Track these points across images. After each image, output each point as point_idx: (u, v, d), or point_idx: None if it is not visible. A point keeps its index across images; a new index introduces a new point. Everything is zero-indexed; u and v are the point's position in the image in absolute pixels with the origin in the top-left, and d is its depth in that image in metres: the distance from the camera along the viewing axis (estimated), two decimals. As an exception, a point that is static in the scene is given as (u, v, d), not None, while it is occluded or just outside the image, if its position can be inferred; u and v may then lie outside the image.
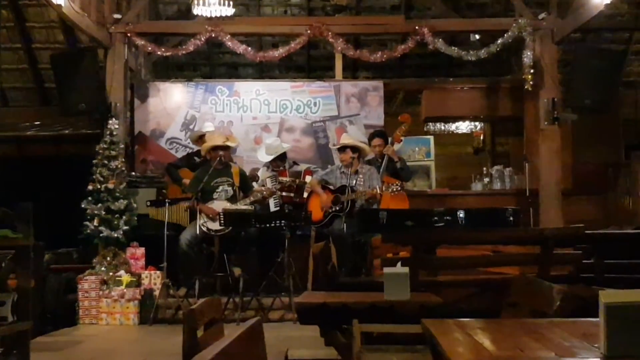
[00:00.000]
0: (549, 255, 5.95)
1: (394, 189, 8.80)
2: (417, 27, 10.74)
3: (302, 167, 10.51)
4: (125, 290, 8.75)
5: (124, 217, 9.60)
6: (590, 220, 10.02)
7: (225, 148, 9.37)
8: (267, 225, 8.80)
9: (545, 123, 10.63)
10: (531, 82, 10.41)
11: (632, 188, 12.11)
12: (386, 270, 4.87)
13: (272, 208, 9.74)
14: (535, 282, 4.46)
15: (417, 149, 13.51)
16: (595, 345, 2.54)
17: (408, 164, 10.33)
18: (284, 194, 9.75)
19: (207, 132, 10.26)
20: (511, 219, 7.35)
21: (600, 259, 6.28)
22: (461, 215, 7.25)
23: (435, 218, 7.18)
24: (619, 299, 2.42)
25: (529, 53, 10.44)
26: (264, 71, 14.32)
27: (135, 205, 9.86)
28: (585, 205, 11.55)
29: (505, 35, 10.53)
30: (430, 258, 6.19)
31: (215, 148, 9.26)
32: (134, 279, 8.92)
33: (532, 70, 10.41)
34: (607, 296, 2.44)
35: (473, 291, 6.32)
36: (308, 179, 9.96)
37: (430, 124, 13.37)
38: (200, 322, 3.54)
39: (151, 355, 6.62)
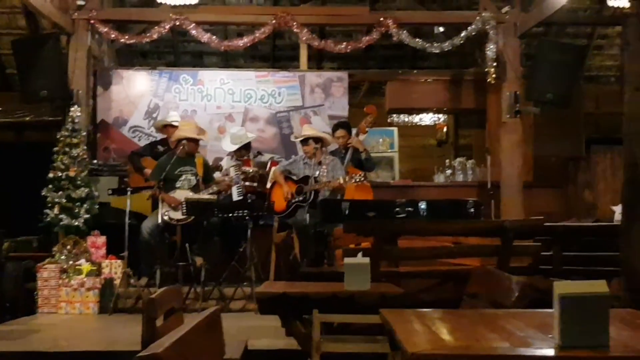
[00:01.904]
0: (509, 247, 6.02)
1: (358, 180, 8.82)
2: (381, 19, 10.76)
3: (266, 157, 10.49)
4: (85, 279, 8.68)
5: (85, 206, 9.51)
6: (550, 212, 10.13)
7: (195, 141, 9.34)
8: (230, 214, 8.78)
9: (507, 116, 10.72)
10: (494, 76, 10.50)
11: (592, 181, 12.27)
12: (347, 260, 4.89)
13: (235, 198, 9.71)
14: (494, 274, 4.50)
15: (380, 140, 13.55)
16: (550, 335, 2.57)
17: (372, 155, 10.35)
18: (247, 183, 9.72)
19: (175, 121, 10.19)
20: (472, 210, 7.41)
21: (559, 251, 6.36)
22: (423, 206, 7.29)
23: (397, 209, 7.21)
24: (572, 290, 2.45)
25: (492, 46, 10.52)
26: (228, 60, 14.25)
27: (96, 193, 9.78)
28: (545, 197, 11.65)
29: (469, 28, 10.59)
30: (391, 249, 6.22)
31: (185, 139, 9.21)
32: (95, 268, 8.86)
33: (495, 64, 10.51)
34: (561, 287, 2.48)
35: (434, 282, 6.37)
36: (273, 168, 9.94)
37: (394, 115, 13.41)
38: (159, 311, 3.54)
39: (110, 344, 6.58)
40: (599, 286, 2.45)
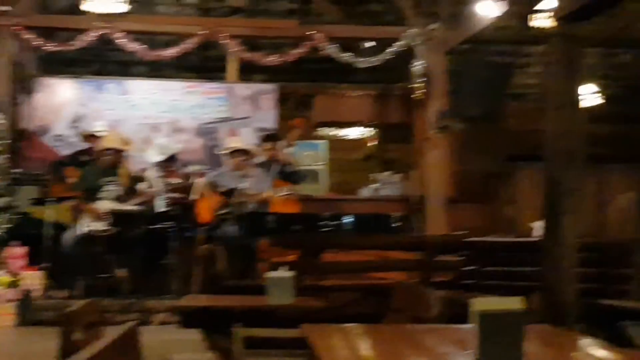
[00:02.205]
0: (431, 261, 6.08)
1: (284, 193, 8.83)
2: (310, 32, 10.81)
3: (192, 168, 10.40)
4: (3, 291, 8.47)
5: (5, 215, 9.29)
6: (475, 228, 10.24)
7: (119, 151, 9.24)
8: (154, 226, 8.69)
9: (433, 131, 10.85)
10: (420, 91, 10.62)
11: (514, 197, 12.47)
12: (270, 274, 4.89)
13: (160, 209, 9.60)
14: (416, 289, 4.54)
15: (308, 153, 13.56)
16: (469, 351, 2.60)
17: (299, 168, 10.36)
18: (172, 195, 9.63)
19: (100, 131, 10.05)
20: (397, 225, 7.48)
21: (480, 266, 6.45)
22: (348, 220, 7.33)
23: (323, 223, 7.25)
24: (489, 307, 2.48)
25: (418, 62, 10.65)
26: (156, 70, 14.09)
27: (17, 202, 9.57)
28: (470, 213, 11.79)
29: (395, 44, 10.71)
30: (316, 262, 6.23)
31: (110, 150, 9.11)
32: (13, 280, 8.64)
33: (421, 80, 10.63)
34: (479, 304, 2.51)
35: (357, 296, 6.40)
36: (199, 180, 9.88)
37: (322, 128, 13.43)
38: (78, 324, 3.47)
39: (27, 357, 6.44)
40: (515, 303, 2.49)
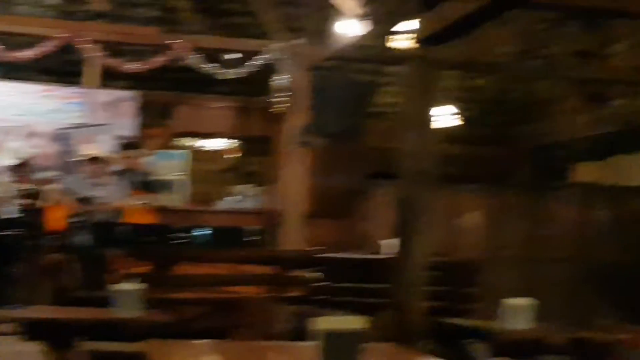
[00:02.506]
0: (283, 276, 6.10)
1: (141, 203, 8.70)
2: (171, 41, 10.71)
3: (45, 174, 10.11)
4: None
5: None
6: (332, 243, 10.35)
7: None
8: (1, 233, 8.39)
9: (292, 146, 10.92)
10: (280, 106, 10.69)
11: (372, 214, 12.67)
12: (117, 286, 4.80)
13: (9, 215, 9.27)
14: (267, 304, 4.55)
15: (168, 163, 13.38)
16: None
17: (158, 178, 10.24)
18: (23, 201, 9.32)
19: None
20: (254, 238, 7.48)
21: (332, 282, 6.53)
22: (203, 232, 7.28)
23: (177, 234, 7.17)
24: (331, 326, 2.51)
25: (279, 77, 10.72)
26: (12, 72, 13.60)
27: None
28: (327, 228, 11.88)
29: (255, 57, 10.75)
30: (168, 275, 6.16)
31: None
32: None
33: (283, 94, 10.70)
34: (322, 322, 2.53)
35: (209, 310, 6.35)
36: (52, 187, 9.61)
37: (183, 139, 13.33)
38: None
39: None
40: (355, 322, 2.52)
